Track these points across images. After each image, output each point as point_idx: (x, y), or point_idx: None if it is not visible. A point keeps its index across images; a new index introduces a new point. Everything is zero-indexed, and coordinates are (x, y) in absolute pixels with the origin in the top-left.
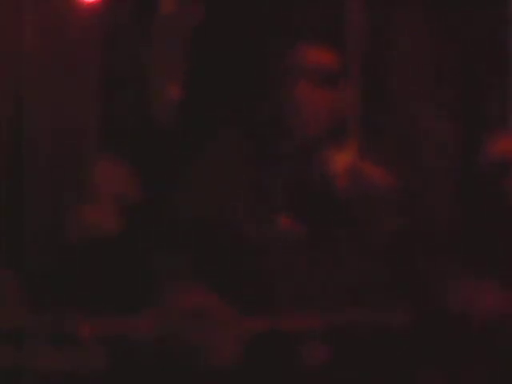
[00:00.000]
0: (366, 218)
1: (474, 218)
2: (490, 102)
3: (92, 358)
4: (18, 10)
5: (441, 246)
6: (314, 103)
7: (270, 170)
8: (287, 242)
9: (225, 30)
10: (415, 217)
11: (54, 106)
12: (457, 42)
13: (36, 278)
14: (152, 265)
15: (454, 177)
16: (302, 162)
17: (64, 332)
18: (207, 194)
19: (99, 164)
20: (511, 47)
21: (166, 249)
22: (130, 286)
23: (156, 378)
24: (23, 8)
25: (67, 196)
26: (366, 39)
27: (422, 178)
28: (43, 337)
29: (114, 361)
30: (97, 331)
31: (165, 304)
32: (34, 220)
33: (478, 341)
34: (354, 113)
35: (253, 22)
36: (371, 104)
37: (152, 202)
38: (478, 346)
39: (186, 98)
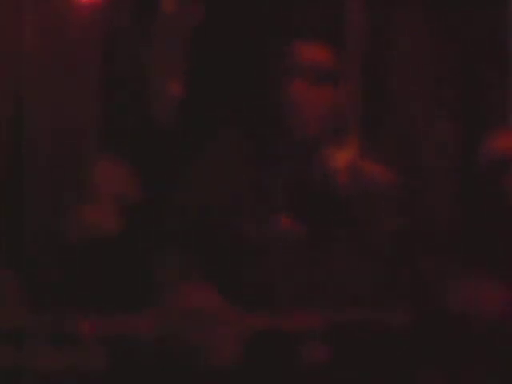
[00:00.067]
0: (366, 218)
1: (474, 218)
2: (489, 102)
3: (92, 357)
4: (18, 10)
5: (441, 245)
6: (313, 103)
7: (269, 170)
8: (287, 241)
9: (225, 29)
10: (415, 216)
11: (54, 106)
12: (457, 42)
13: (36, 278)
14: (152, 265)
15: (454, 177)
16: (302, 162)
17: (64, 332)
18: (207, 194)
19: (99, 164)
20: (511, 47)
21: (166, 249)
22: (130, 285)
23: (156, 377)
24: (23, 8)
25: (67, 196)
26: (366, 39)
27: (421, 177)
28: (43, 337)
29: (114, 361)
30: (97, 331)
31: (165, 304)
32: (34, 220)
33: (477, 341)
34: (354, 112)
35: (253, 22)
36: (371, 104)
37: (152, 202)
38: (478, 346)
39: (186, 98)
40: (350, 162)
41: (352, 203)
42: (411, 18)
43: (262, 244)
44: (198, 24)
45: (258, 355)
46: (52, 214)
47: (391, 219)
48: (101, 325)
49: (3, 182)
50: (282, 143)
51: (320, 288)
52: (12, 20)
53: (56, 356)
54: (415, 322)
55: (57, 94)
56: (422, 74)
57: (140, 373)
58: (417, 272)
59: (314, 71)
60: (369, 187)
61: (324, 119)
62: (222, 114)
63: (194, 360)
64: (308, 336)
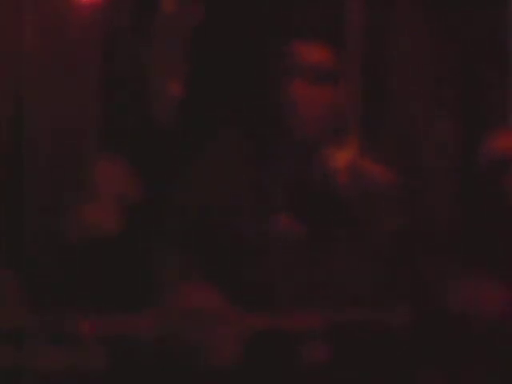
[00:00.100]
0: (366, 218)
1: (474, 218)
2: (490, 102)
3: (92, 357)
4: (18, 10)
5: (441, 245)
6: (313, 103)
7: (269, 170)
8: (287, 241)
9: (225, 29)
10: (415, 216)
11: (54, 106)
12: (457, 42)
13: (36, 278)
14: (152, 265)
15: (454, 177)
16: (302, 162)
17: (64, 332)
18: (207, 194)
19: (99, 164)
20: (511, 47)
21: (166, 249)
22: (130, 285)
23: (156, 377)
24: (23, 8)
25: (67, 196)
26: (366, 39)
27: (421, 177)
28: (43, 337)
29: (114, 360)
30: (97, 331)
31: (165, 304)
32: (34, 220)
33: (477, 341)
34: (354, 112)
35: (253, 22)
36: (371, 104)
37: (152, 202)
38: (478, 346)
39: (186, 98)
40: (350, 162)
41: (352, 203)
42: (411, 18)
43: (261, 244)
44: (198, 24)
45: (258, 355)
46: (52, 213)
47: (391, 219)
48: (101, 325)
49: (3, 182)
50: (281, 143)
51: (320, 288)
52: (12, 20)
53: (56, 356)
54: (415, 322)
55: (57, 94)
56: (422, 74)
57: (140, 373)
58: (417, 272)
59: (314, 71)
60: (369, 187)
61: (324, 119)
62: (221, 114)
63: (194, 360)
64: (308, 336)
